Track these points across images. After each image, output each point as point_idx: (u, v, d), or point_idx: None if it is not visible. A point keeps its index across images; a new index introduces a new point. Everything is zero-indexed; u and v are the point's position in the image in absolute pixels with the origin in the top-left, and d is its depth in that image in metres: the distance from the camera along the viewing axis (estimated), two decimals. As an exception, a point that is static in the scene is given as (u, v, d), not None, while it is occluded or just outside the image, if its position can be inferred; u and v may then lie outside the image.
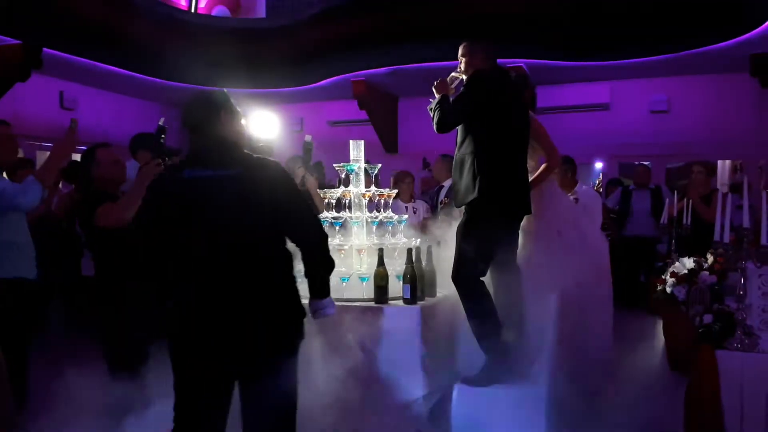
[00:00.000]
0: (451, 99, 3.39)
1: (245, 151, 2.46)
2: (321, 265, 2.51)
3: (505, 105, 3.35)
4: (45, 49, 6.87)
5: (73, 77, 8.40)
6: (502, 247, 3.32)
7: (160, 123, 3.45)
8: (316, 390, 2.90)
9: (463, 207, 3.37)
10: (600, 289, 4.21)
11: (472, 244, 3.25)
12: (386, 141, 9.61)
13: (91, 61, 7.73)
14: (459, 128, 3.40)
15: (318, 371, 3.03)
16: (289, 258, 2.43)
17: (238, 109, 2.53)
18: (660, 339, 4.05)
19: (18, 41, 6.68)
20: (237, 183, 2.30)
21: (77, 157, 7.47)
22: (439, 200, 5.46)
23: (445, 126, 3.33)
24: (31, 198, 2.99)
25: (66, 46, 7.23)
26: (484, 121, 3.29)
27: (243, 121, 2.58)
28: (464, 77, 3.47)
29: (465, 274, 3.28)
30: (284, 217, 2.37)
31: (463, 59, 3.48)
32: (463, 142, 3.37)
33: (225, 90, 2.59)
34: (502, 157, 3.30)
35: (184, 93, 9.42)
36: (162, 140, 3.38)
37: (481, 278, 3.31)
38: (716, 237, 2.97)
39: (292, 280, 2.45)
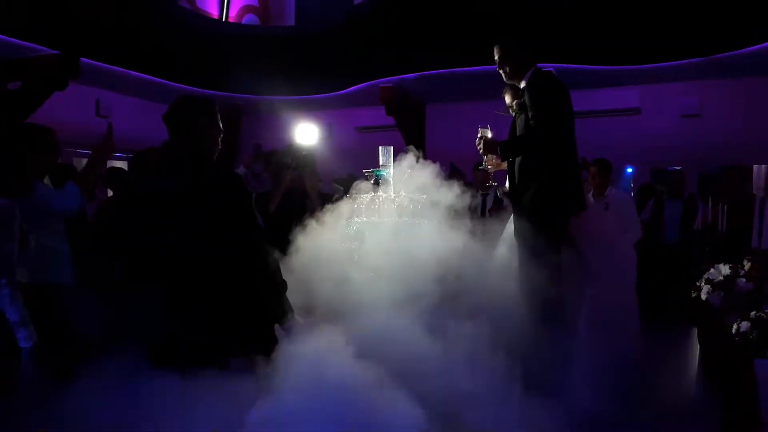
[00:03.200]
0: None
1: (212, 162, 2.46)
2: (267, 289, 2.40)
3: (569, 105, 3.38)
4: (82, 59, 7.06)
5: (108, 86, 8.62)
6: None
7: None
8: (337, 387, 2.91)
9: (517, 213, 3.39)
10: (624, 302, 4.16)
11: (547, 251, 3.26)
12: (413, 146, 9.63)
13: (126, 70, 7.92)
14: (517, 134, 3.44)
15: (341, 370, 3.03)
16: (244, 272, 2.35)
17: (218, 118, 2.53)
18: (695, 346, 3.98)
19: (56, 51, 6.87)
20: (188, 196, 2.32)
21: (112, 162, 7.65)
22: (487, 208, 5.57)
23: (552, 139, 3.28)
24: (71, 203, 3.03)
25: (102, 55, 7.42)
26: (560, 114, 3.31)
27: (221, 133, 2.57)
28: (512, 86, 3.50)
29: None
30: (225, 234, 2.29)
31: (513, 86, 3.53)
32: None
33: (212, 98, 2.57)
34: (574, 162, 3.34)
35: (213, 99, 9.56)
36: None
37: None
38: (754, 243, 2.92)
39: (248, 292, 2.37)
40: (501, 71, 3.59)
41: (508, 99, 3.73)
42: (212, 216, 2.30)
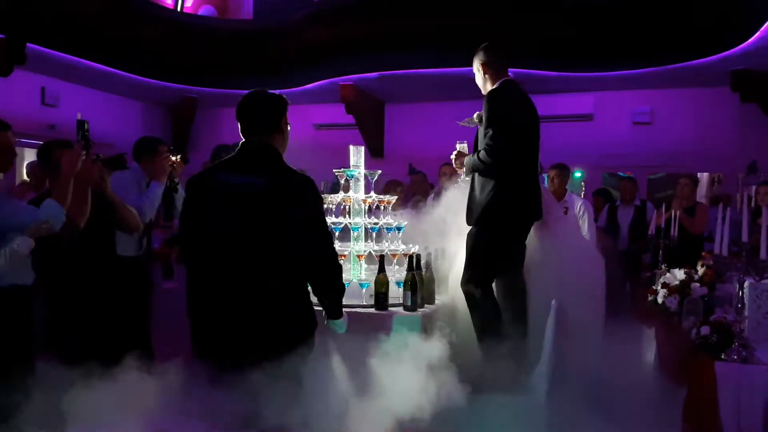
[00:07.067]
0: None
1: (284, 161, 2.50)
2: (328, 291, 2.59)
3: (523, 115, 3.40)
4: (28, 45, 6.73)
5: (55, 73, 8.24)
6: (512, 258, 3.37)
7: (79, 117, 3.35)
8: (313, 397, 2.88)
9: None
10: (592, 301, 4.23)
11: (485, 254, 3.29)
12: (372, 145, 9.61)
13: (74, 58, 7.58)
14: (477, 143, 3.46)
15: (317, 379, 3.00)
16: (301, 272, 2.47)
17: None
18: (651, 348, 4.09)
19: (1, 36, 6.54)
20: (260, 193, 2.35)
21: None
22: None
23: (504, 161, 3.31)
24: (52, 222, 2.80)
25: (49, 41, 7.09)
26: (507, 137, 3.32)
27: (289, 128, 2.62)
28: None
29: (474, 283, 3.30)
30: (296, 236, 2.38)
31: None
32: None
33: (284, 96, 2.57)
34: (524, 172, 3.36)
35: (166, 92, 9.30)
36: (86, 133, 3.28)
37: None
38: (716, 249, 3.03)
39: (303, 291, 2.51)
40: (478, 80, 3.59)
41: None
42: (291, 215, 2.36)
